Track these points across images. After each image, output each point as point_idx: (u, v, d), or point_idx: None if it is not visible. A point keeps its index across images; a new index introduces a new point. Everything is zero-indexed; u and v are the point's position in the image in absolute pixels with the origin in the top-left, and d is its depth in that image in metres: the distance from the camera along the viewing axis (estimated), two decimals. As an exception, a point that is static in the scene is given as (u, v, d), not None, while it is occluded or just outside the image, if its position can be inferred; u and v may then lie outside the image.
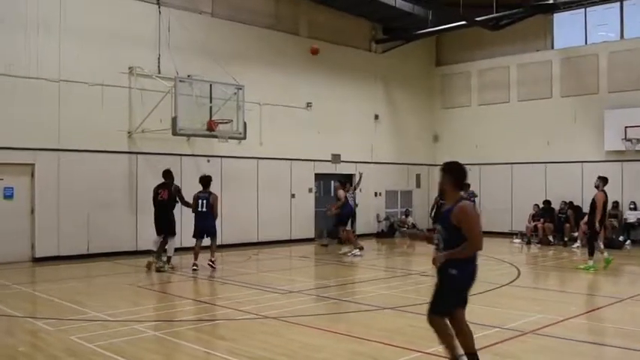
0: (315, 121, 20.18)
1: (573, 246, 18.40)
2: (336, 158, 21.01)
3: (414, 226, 22.43)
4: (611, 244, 16.69)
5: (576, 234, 18.82)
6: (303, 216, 19.95)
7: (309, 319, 8.53)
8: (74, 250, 14.92)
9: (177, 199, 13.59)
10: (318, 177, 20.67)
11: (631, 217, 19.17)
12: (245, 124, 15.93)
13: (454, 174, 5.65)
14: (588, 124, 20.52)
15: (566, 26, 21.60)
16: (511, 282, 11.84)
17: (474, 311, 9.10)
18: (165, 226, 13.32)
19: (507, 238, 20.60)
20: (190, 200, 13.49)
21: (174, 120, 14.78)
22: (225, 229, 16.81)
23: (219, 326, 8.34)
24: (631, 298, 10.25)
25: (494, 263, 15.06)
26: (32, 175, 14.60)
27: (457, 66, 24.19)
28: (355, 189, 18.61)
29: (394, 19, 21.78)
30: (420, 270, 13.36)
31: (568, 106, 21.07)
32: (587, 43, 21.08)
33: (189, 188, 13.91)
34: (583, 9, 20.89)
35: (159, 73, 16.22)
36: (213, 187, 13.79)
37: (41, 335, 7.61)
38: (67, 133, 14.90)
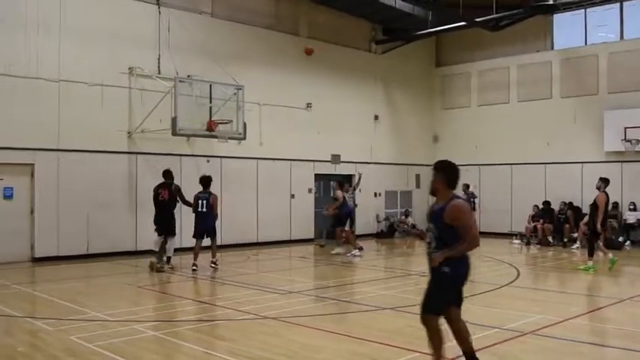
0: (315, 122, 20.19)
1: (573, 247, 18.40)
2: (335, 159, 21.01)
3: (413, 226, 22.44)
4: (611, 245, 16.68)
5: (576, 235, 18.82)
6: (303, 216, 19.95)
7: (309, 319, 8.53)
8: (74, 250, 14.91)
9: (178, 198, 13.60)
10: (318, 177, 20.67)
11: (630, 217, 19.18)
12: (245, 124, 15.93)
13: (447, 173, 5.59)
14: (588, 124, 20.53)
15: (566, 27, 21.61)
16: (510, 283, 11.85)
17: (474, 312, 9.13)
18: (165, 226, 13.32)
19: (507, 239, 20.60)
20: (191, 200, 13.51)
21: (174, 120, 14.78)
22: (225, 230, 16.81)
23: (218, 326, 8.34)
24: (631, 299, 10.25)
25: (493, 264, 15.07)
26: (32, 175, 14.60)
27: (457, 67, 24.20)
28: (354, 189, 18.62)
29: (394, 19, 21.78)
30: (419, 270, 13.34)
31: (568, 106, 21.08)
32: (587, 43, 21.09)
33: (189, 188, 13.91)
34: (583, 10, 20.90)
35: (159, 73, 16.23)
36: (213, 188, 13.79)
37: (41, 335, 7.61)
38: (66, 133, 14.90)
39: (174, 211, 13.65)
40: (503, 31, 21.30)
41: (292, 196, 19.74)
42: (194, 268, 13.01)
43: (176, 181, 13.94)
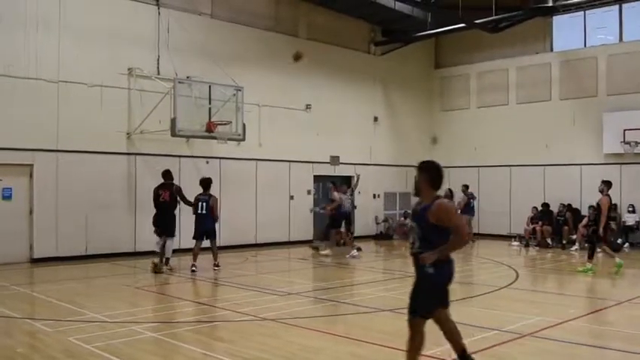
0: (314, 123, 20.19)
1: (572, 249, 18.42)
2: (334, 160, 21.02)
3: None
4: (609, 247, 16.68)
5: (575, 237, 18.85)
6: (302, 218, 19.94)
7: (308, 321, 8.53)
8: (73, 251, 14.90)
9: (179, 198, 13.60)
10: (317, 179, 20.67)
11: (629, 219, 19.20)
12: (244, 125, 15.94)
13: (431, 173, 5.59)
14: (587, 126, 20.55)
15: (566, 29, 21.63)
16: (509, 284, 11.84)
17: (473, 313, 9.14)
18: (165, 227, 13.32)
19: (506, 241, 20.62)
20: (191, 200, 13.54)
21: (173, 121, 14.77)
22: (224, 231, 16.78)
23: (217, 328, 8.34)
24: (629, 301, 10.26)
25: (492, 266, 15.08)
26: (31, 175, 14.59)
27: (456, 68, 24.22)
28: (353, 191, 18.63)
29: (393, 21, 21.79)
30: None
31: (567, 108, 21.10)
32: (587, 45, 21.11)
33: (188, 190, 13.90)
34: (582, 12, 20.93)
35: (158, 74, 16.23)
36: (212, 189, 13.79)
37: (39, 336, 7.61)
38: (65, 134, 14.89)
39: (175, 211, 13.67)
40: (502, 33, 21.30)
41: (291, 197, 19.74)
42: (193, 269, 13.01)
43: (175, 182, 13.94)
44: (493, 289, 11.16)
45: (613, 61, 20.22)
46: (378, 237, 22.19)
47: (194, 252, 13.29)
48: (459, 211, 20.90)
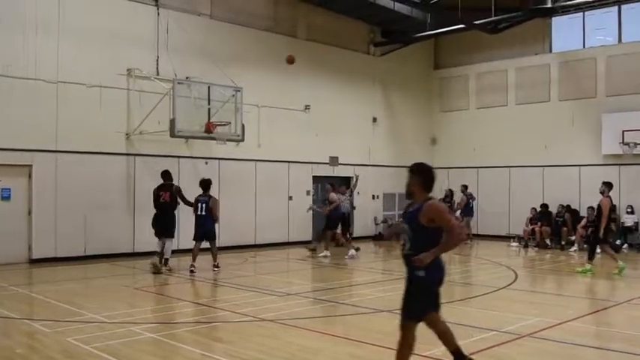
0: (314, 124, 20.19)
1: (570, 249, 18.44)
2: (334, 161, 21.02)
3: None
4: (603, 248, 16.70)
5: (573, 237, 18.86)
6: (301, 218, 19.92)
7: (307, 321, 8.53)
8: (71, 252, 14.88)
9: (179, 199, 13.59)
10: (316, 179, 20.66)
11: (628, 220, 19.21)
12: (243, 126, 15.94)
13: (423, 175, 5.53)
14: (586, 127, 20.56)
15: (565, 30, 21.65)
16: (508, 285, 11.84)
17: (472, 314, 9.14)
18: (165, 227, 13.31)
19: (505, 242, 20.62)
20: (191, 200, 13.57)
21: (172, 122, 14.76)
22: (223, 232, 16.76)
23: (216, 328, 8.34)
24: (628, 302, 10.26)
25: (491, 266, 15.09)
26: (30, 176, 14.58)
27: (455, 69, 24.23)
28: (352, 192, 18.63)
29: (393, 22, 21.80)
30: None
31: (566, 109, 21.11)
32: (586, 46, 21.13)
33: (187, 190, 13.89)
34: (581, 13, 20.95)
35: (157, 74, 16.22)
36: (211, 190, 13.78)
37: (38, 337, 7.60)
38: (64, 135, 14.88)
39: (174, 212, 13.68)
40: (501, 34, 21.32)
41: (290, 198, 19.74)
42: (192, 269, 13.00)
43: (174, 183, 13.94)
44: (492, 290, 11.16)
45: (612, 62, 20.24)
46: (377, 238, 22.19)
47: (193, 253, 13.29)
48: (459, 212, 21.00)
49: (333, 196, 16.95)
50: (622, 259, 13.90)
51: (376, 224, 22.57)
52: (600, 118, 19.95)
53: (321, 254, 16.43)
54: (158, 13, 16.47)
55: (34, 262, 14.38)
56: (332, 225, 16.94)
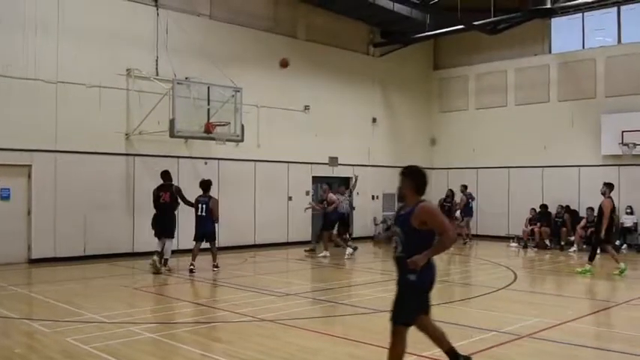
0: (313, 124, 20.19)
1: (570, 250, 18.45)
2: (333, 161, 21.02)
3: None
4: (606, 249, 16.72)
5: (573, 238, 18.87)
6: (300, 219, 19.92)
7: (306, 321, 8.53)
8: (71, 252, 14.88)
9: (179, 199, 13.59)
10: (316, 180, 20.65)
11: (627, 221, 19.22)
12: (242, 126, 15.94)
13: (415, 178, 5.54)
14: (585, 128, 20.57)
15: (564, 31, 21.66)
16: (508, 286, 11.85)
17: (471, 315, 9.15)
18: (165, 228, 13.30)
19: (504, 242, 20.63)
20: (191, 200, 13.60)
21: (171, 122, 14.77)
22: (222, 232, 16.77)
23: (215, 329, 8.34)
24: (627, 303, 10.27)
25: (490, 267, 15.09)
26: (29, 176, 14.58)
27: (455, 70, 24.24)
28: (351, 192, 18.63)
29: (392, 22, 21.80)
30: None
31: (565, 110, 21.12)
32: (585, 47, 21.14)
33: (187, 190, 13.89)
34: (581, 14, 20.97)
35: (157, 75, 16.22)
36: (211, 190, 13.78)
37: (37, 337, 7.60)
38: (64, 135, 14.87)
39: (174, 212, 13.68)
40: (501, 35, 21.33)
41: (290, 198, 19.73)
42: (191, 267, 13.01)
43: (174, 183, 13.94)
44: (491, 291, 11.16)
45: (611, 63, 20.25)
46: (377, 238, 22.17)
47: (193, 252, 13.30)
48: (459, 212, 21.01)
49: (332, 196, 16.94)
50: (621, 259, 13.90)
51: (375, 224, 22.57)
52: (600, 118, 19.96)
53: (321, 254, 16.43)
54: (158, 14, 16.47)
55: (34, 262, 14.38)
56: (328, 225, 16.93)
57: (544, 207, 20.26)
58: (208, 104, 15.52)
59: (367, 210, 22.33)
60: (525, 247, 19.56)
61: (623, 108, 19.52)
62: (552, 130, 21.28)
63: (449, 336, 5.67)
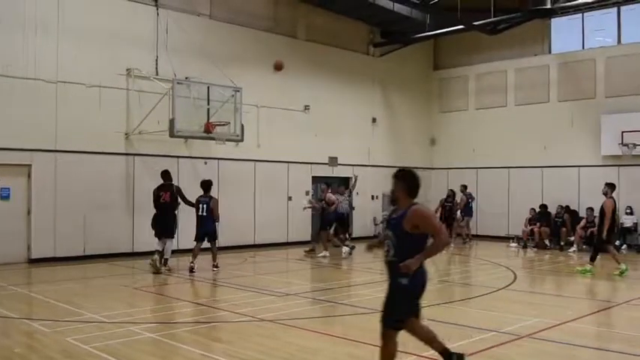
0: (313, 124, 20.19)
1: (569, 250, 18.45)
2: (333, 161, 21.02)
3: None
4: (607, 249, 16.72)
5: (572, 238, 18.87)
6: (300, 219, 19.92)
7: (306, 321, 8.53)
8: (70, 252, 14.88)
9: (180, 199, 13.60)
10: (315, 180, 20.64)
11: (627, 221, 19.23)
12: (242, 126, 15.95)
13: (407, 181, 5.51)
14: (585, 128, 20.58)
15: (564, 31, 21.67)
16: (507, 286, 11.85)
17: (471, 315, 9.15)
18: (165, 228, 13.31)
19: (504, 242, 20.63)
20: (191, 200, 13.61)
21: (171, 122, 14.77)
22: (222, 232, 16.69)
23: (215, 329, 8.33)
24: (627, 303, 10.28)
25: (490, 267, 15.10)
26: (29, 175, 14.57)
27: (455, 70, 24.24)
28: (351, 192, 18.62)
29: (392, 22, 21.80)
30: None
31: (565, 110, 21.13)
32: (585, 47, 21.15)
33: (186, 190, 13.89)
34: (581, 14, 20.97)
35: (156, 74, 16.22)
36: (212, 190, 13.79)
37: (37, 336, 7.60)
38: (64, 134, 14.87)
39: (175, 212, 13.69)
40: (501, 35, 21.33)
41: (289, 198, 19.73)
42: (191, 266, 13.02)
43: (174, 183, 13.94)
44: (491, 291, 11.16)
45: (611, 63, 20.25)
46: (376, 238, 22.15)
47: (194, 252, 13.31)
48: (459, 212, 21.02)
49: (331, 196, 16.94)
50: (622, 260, 13.89)
51: (375, 224, 22.57)
52: (599, 119, 19.97)
53: (320, 254, 16.44)
54: (157, 13, 16.46)
55: (33, 261, 14.38)
56: (325, 225, 16.94)
57: (544, 207, 20.26)
58: (208, 104, 15.52)
59: (367, 210, 22.34)
60: (525, 247, 19.56)
61: (622, 108, 19.52)
62: (552, 130, 21.28)
63: (441, 336, 5.65)
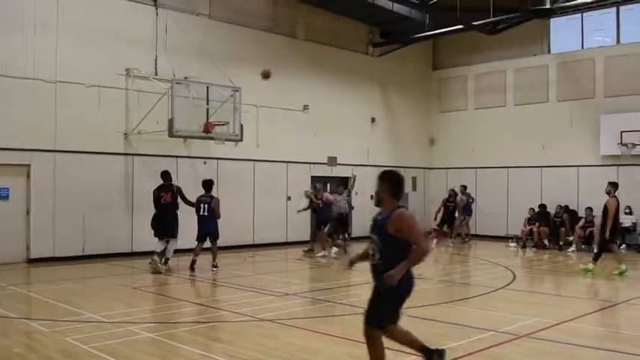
0: (312, 124, 20.19)
1: (568, 250, 18.46)
2: (332, 161, 21.03)
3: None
4: (611, 248, 16.72)
5: (571, 238, 18.88)
6: (299, 218, 19.88)
7: (305, 321, 8.54)
8: (69, 252, 14.87)
9: (180, 198, 13.59)
10: (315, 180, 20.62)
11: (626, 221, 19.21)
12: (242, 126, 15.95)
13: (392, 183, 5.46)
14: (584, 128, 20.59)
15: (563, 31, 21.68)
16: (506, 285, 11.86)
17: (469, 314, 9.16)
18: (167, 228, 13.30)
19: (503, 242, 20.64)
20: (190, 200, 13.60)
21: (170, 122, 14.76)
22: (221, 232, 16.67)
23: (215, 328, 8.34)
24: (626, 302, 10.29)
25: (489, 267, 15.11)
26: (28, 175, 14.57)
27: (454, 70, 24.25)
28: (350, 192, 18.62)
29: (391, 22, 21.81)
30: (416, 273, 13.34)
31: (564, 110, 21.14)
32: (584, 47, 21.16)
33: (185, 190, 13.89)
34: (580, 14, 20.99)
35: (156, 74, 16.22)
36: (213, 190, 13.79)
37: (36, 336, 7.60)
38: (63, 134, 14.87)
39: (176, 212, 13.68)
40: (500, 35, 21.34)
41: (289, 198, 19.73)
42: (192, 264, 13.03)
43: (174, 183, 13.94)
44: (490, 290, 11.17)
45: (610, 63, 20.27)
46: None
47: (195, 251, 13.33)
48: (457, 212, 21.03)
49: (328, 196, 16.95)
50: (622, 260, 13.89)
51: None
52: (598, 118, 19.98)
53: (320, 254, 16.45)
54: (157, 13, 16.46)
55: (32, 261, 14.37)
56: (320, 224, 16.94)
57: (543, 207, 20.27)
58: (207, 104, 15.51)
59: (366, 210, 22.27)
60: (524, 246, 19.56)
61: (622, 108, 19.54)
62: (551, 130, 21.30)
63: (418, 335, 5.68)
